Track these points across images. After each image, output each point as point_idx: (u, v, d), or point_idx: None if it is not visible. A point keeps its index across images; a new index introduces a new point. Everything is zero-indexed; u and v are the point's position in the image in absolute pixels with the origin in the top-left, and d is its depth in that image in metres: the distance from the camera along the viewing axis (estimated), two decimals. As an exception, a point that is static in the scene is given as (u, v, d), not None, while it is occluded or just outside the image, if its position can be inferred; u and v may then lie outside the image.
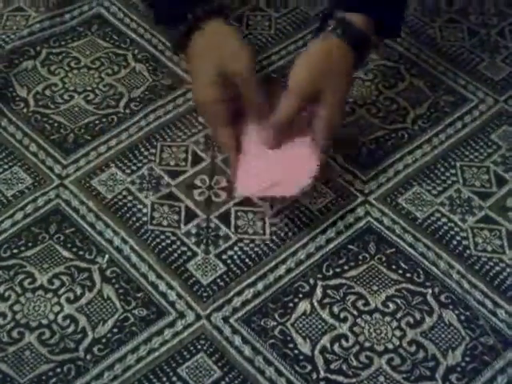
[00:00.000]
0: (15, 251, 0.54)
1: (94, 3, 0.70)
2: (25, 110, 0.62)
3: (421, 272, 0.54)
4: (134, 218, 0.56)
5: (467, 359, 0.50)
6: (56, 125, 0.62)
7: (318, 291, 0.53)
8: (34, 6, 0.70)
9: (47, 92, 0.64)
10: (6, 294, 0.52)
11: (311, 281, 0.53)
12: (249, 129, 0.56)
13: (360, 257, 0.55)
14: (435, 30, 0.68)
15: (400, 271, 0.54)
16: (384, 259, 0.54)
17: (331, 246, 0.55)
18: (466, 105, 0.63)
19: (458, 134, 0.62)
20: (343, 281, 0.53)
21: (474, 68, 0.66)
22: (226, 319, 0.52)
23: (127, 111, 0.62)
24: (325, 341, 0.51)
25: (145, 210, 0.57)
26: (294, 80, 0.52)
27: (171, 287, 0.53)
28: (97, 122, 0.62)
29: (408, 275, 0.54)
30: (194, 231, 0.56)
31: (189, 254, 0.54)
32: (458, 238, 0.56)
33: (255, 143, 0.55)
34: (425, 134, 0.61)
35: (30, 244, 0.55)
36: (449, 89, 0.64)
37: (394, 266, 0.54)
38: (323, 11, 0.59)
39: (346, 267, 0.54)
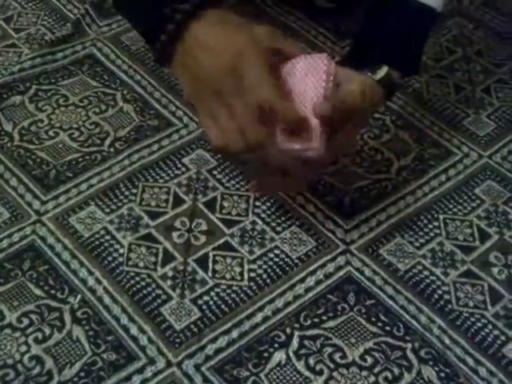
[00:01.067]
0: (-14, 287, 0.53)
1: (87, 43, 0.71)
2: (9, 145, 0.62)
3: (401, 326, 0.53)
4: (110, 258, 0.55)
5: (446, 419, 0.48)
6: (38, 160, 0.61)
7: (295, 341, 0.51)
8: (28, 43, 0.71)
9: (33, 128, 0.63)
10: (-28, 331, 0.50)
11: (288, 330, 0.52)
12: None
13: (339, 307, 0.53)
14: (422, 85, 0.69)
15: (379, 324, 0.53)
16: (364, 311, 0.53)
17: (310, 295, 0.54)
18: (450, 158, 0.64)
19: (441, 187, 0.61)
20: (321, 331, 0.52)
21: (459, 123, 0.66)
22: (197, 367, 0.50)
23: (111, 150, 0.62)
24: (299, 394, 0.49)
25: (121, 251, 0.55)
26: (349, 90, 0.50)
27: (143, 331, 0.51)
28: (80, 159, 0.61)
29: (388, 328, 0.52)
30: (170, 274, 0.54)
31: (164, 297, 0.53)
32: (440, 291, 0.55)
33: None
34: (408, 185, 0.61)
35: (1, 280, 0.53)
36: (434, 142, 0.65)
37: (373, 319, 0.53)
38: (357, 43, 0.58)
39: (324, 317, 0.53)
